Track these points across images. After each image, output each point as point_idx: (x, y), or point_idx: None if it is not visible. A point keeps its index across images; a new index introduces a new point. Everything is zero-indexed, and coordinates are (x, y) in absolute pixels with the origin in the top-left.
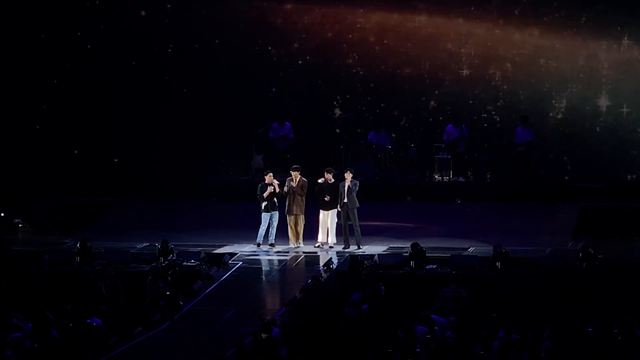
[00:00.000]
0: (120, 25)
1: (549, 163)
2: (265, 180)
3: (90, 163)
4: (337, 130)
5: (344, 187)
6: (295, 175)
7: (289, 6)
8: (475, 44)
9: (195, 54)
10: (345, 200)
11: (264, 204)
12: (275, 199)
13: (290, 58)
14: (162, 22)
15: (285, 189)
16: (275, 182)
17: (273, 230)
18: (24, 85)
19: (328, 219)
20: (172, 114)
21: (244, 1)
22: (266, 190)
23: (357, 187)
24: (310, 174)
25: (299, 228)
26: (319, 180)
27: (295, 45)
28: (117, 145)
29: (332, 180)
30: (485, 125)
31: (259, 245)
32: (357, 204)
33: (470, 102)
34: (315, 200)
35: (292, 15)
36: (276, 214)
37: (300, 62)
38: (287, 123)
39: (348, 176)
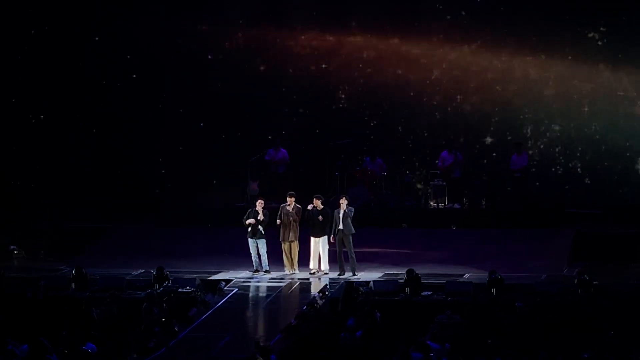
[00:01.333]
0: (116, 44)
1: (545, 188)
2: (256, 206)
3: (87, 187)
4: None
5: (339, 213)
6: (291, 202)
7: (283, 31)
8: (468, 70)
9: (192, 76)
10: (341, 227)
11: (249, 229)
12: (260, 227)
13: (287, 84)
14: (159, 44)
15: (279, 218)
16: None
17: (264, 258)
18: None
19: (319, 246)
20: (166, 139)
21: (238, 27)
22: (256, 216)
23: (353, 214)
24: (306, 200)
25: (293, 254)
26: (308, 207)
27: (290, 70)
28: (113, 170)
29: (321, 206)
30: (480, 150)
31: (257, 271)
32: (353, 230)
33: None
34: (307, 227)
35: (287, 41)
36: (262, 242)
37: (295, 89)
38: (282, 149)
39: (343, 202)
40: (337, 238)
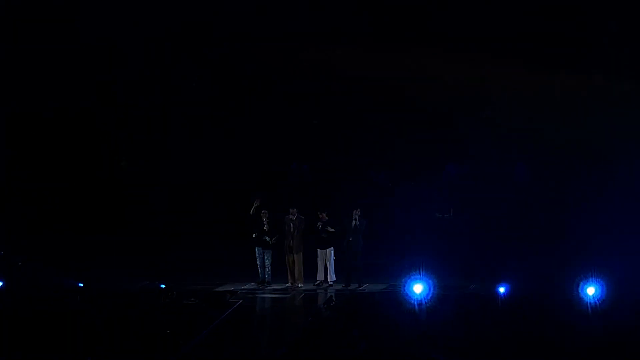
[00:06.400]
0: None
1: (548, 203)
2: (260, 217)
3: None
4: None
5: (351, 224)
6: (294, 213)
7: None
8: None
9: (194, 90)
10: (351, 239)
11: (254, 235)
12: (267, 238)
13: (292, 98)
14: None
15: (286, 227)
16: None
17: (268, 269)
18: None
19: (326, 258)
20: (169, 152)
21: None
22: (261, 227)
23: (364, 227)
24: (310, 212)
25: (297, 266)
26: (318, 224)
27: (294, 84)
28: (115, 182)
29: (327, 218)
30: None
31: (263, 282)
32: (361, 243)
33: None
34: (314, 239)
35: (289, 55)
36: (269, 252)
37: (301, 103)
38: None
39: (356, 215)
40: (345, 248)
